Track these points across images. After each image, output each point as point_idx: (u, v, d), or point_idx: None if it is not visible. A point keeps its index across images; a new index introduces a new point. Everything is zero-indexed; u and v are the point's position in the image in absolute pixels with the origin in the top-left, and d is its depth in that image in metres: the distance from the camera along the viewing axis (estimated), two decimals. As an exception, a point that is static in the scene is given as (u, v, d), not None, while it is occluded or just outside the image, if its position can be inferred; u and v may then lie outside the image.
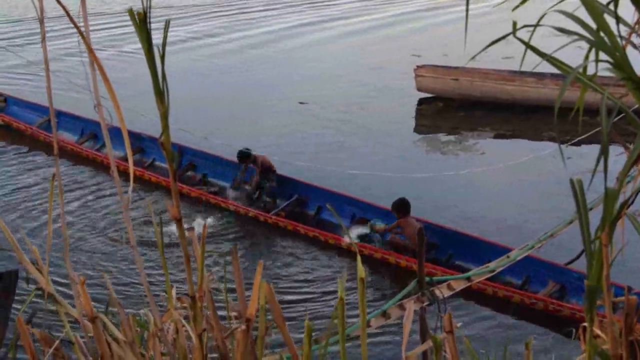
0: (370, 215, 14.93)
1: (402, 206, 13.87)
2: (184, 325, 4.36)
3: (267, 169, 15.95)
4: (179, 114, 19.30)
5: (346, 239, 13.89)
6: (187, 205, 15.66)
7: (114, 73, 23.15)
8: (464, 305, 12.39)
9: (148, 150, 18.10)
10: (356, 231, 14.57)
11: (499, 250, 12.05)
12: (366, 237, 14.53)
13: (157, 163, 17.71)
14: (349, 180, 16.43)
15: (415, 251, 12.23)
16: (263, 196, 15.98)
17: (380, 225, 14.37)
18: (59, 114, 19.43)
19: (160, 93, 3.31)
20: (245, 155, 15.98)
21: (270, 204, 15.75)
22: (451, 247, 13.92)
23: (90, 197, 16.25)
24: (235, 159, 16.42)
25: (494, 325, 11.97)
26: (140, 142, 18.10)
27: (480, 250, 13.22)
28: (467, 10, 3.09)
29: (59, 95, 20.10)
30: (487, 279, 11.68)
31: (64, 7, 3.64)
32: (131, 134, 17.51)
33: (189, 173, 17.38)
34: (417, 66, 22.44)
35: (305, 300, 12.55)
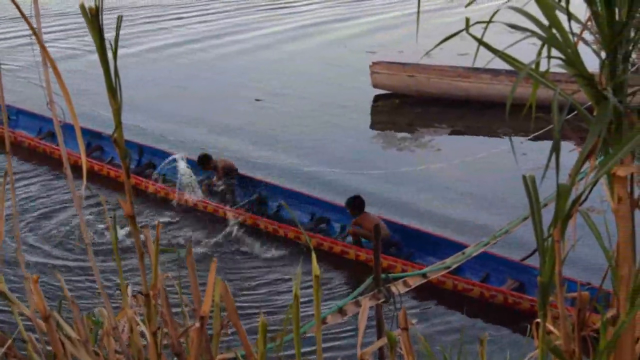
0: (329, 214, 14.93)
1: (356, 204, 13.83)
2: (138, 324, 4.34)
3: (229, 172, 15.88)
4: (141, 111, 19.25)
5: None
6: (146, 203, 15.69)
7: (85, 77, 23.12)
8: (423, 301, 12.42)
9: (107, 149, 17.98)
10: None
11: (460, 248, 12.04)
12: (325, 228, 14.64)
13: (116, 161, 17.56)
14: (304, 177, 16.42)
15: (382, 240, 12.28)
16: (223, 194, 15.89)
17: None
18: (17, 112, 19.34)
19: (113, 90, 3.29)
20: (205, 159, 15.87)
21: (230, 201, 15.65)
22: (412, 245, 13.90)
23: (45, 194, 16.10)
24: (193, 156, 16.38)
25: (452, 321, 11.99)
26: (99, 140, 18.00)
27: (442, 248, 13.13)
28: (418, 5, 3.09)
29: (18, 94, 20.00)
30: (448, 273, 11.76)
31: (15, 3, 3.60)
32: (90, 132, 17.52)
33: (148, 172, 17.27)
34: (373, 63, 22.45)
35: (262, 298, 12.51)
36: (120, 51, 3.23)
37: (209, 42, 29.14)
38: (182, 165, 15.73)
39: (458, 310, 12.29)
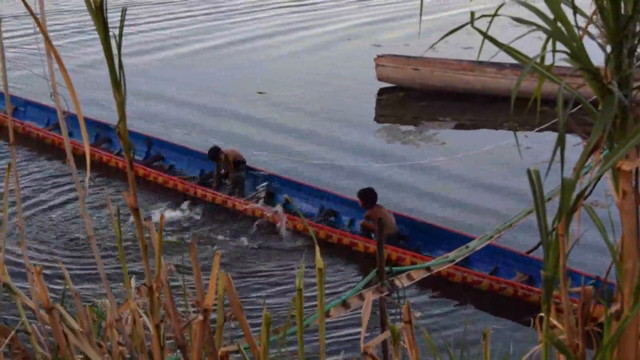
0: (338, 206, 14.93)
1: (368, 196, 13.84)
2: (141, 316, 4.33)
3: (237, 162, 15.89)
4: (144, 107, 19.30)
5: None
6: (154, 194, 15.80)
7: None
8: (429, 294, 12.43)
9: (115, 141, 17.95)
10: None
11: (469, 241, 11.99)
12: (334, 221, 14.64)
13: (124, 153, 17.48)
14: (307, 170, 16.41)
15: (389, 235, 12.28)
16: (231, 186, 15.90)
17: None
18: (26, 104, 19.36)
19: (117, 83, 3.28)
20: (215, 152, 15.87)
21: (238, 194, 15.65)
22: (420, 238, 13.91)
23: (51, 185, 16.10)
24: (200, 149, 16.43)
25: (458, 314, 12.00)
26: (107, 132, 17.98)
27: (449, 241, 13.04)
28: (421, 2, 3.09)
29: (25, 85, 20.06)
30: (457, 265, 11.81)
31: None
32: (98, 124, 17.58)
33: (157, 164, 17.30)
34: (378, 56, 22.44)
35: (266, 290, 12.51)
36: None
37: (212, 41, 29.13)
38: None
39: (464, 302, 12.31)
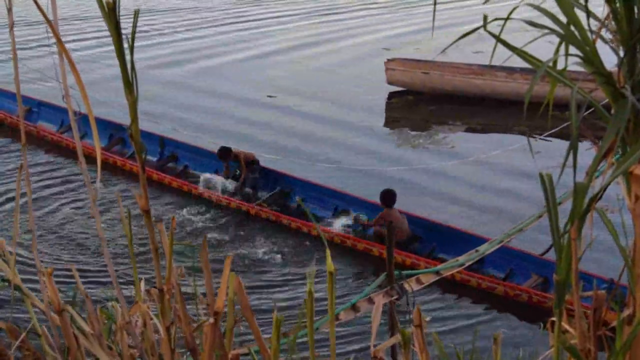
0: (352, 207, 14.92)
1: (384, 197, 13.88)
2: (151, 318, 4.34)
3: (250, 162, 15.87)
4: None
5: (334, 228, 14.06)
6: (169, 196, 15.84)
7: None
8: (441, 298, 12.40)
9: (129, 142, 17.95)
10: (339, 222, 14.53)
11: (483, 243, 11.91)
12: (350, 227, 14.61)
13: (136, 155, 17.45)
14: (318, 173, 16.40)
15: (400, 242, 12.27)
16: (245, 187, 15.89)
17: (364, 218, 14.33)
18: (40, 105, 19.39)
19: (129, 84, 3.29)
20: (226, 152, 15.87)
21: (252, 195, 15.65)
22: (434, 239, 13.91)
23: (63, 187, 16.10)
24: (213, 149, 16.47)
25: (471, 318, 11.97)
26: (121, 133, 17.99)
27: (464, 243, 12.90)
28: (434, 3, 3.08)
29: (39, 87, 20.09)
30: (473, 271, 11.77)
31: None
32: (112, 125, 17.59)
33: (171, 164, 17.31)
34: (388, 59, 22.42)
35: (277, 294, 12.50)
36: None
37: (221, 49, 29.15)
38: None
39: (476, 306, 12.28)
